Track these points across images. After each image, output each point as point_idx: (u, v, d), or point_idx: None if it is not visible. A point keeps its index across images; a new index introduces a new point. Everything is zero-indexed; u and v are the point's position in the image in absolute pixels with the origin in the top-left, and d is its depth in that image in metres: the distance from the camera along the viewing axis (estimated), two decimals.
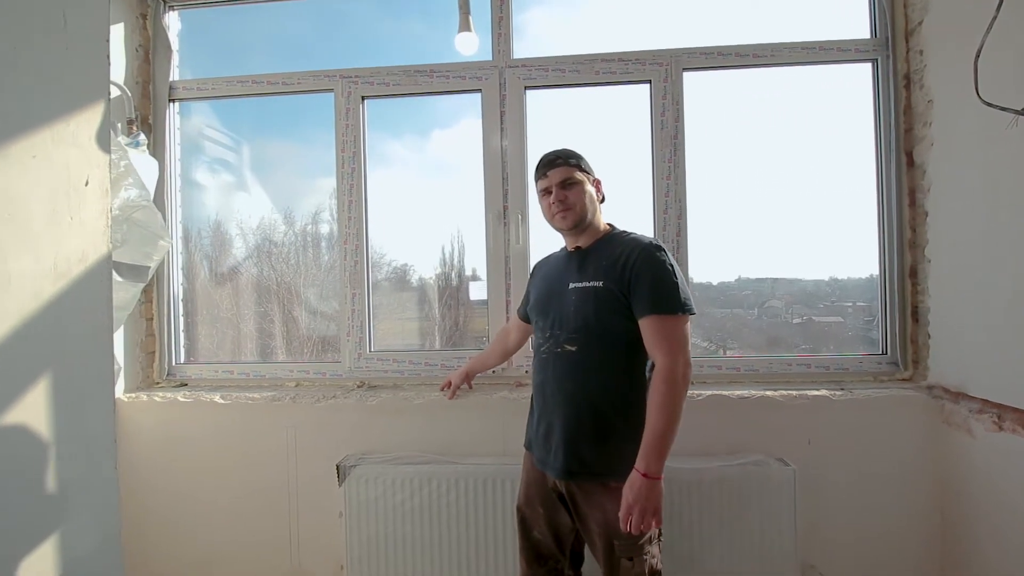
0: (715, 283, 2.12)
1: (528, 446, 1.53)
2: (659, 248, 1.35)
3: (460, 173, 2.14)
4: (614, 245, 1.40)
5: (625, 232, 1.45)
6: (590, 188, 1.44)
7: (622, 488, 1.28)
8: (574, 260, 1.46)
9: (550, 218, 1.46)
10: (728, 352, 2.12)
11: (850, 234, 1.98)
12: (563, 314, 1.41)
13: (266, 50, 2.29)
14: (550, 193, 1.43)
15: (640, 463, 1.25)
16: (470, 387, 1.91)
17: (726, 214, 2.01)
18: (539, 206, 1.51)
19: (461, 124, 2.17)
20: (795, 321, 2.12)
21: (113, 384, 0.95)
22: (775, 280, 2.12)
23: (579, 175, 1.43)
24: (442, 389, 1.88)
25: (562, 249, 1.56)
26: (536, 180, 1.48)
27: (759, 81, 2.00)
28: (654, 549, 1.33)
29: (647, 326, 1.31)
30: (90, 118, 0.92)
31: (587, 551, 1.48)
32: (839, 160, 1.98)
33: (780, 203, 2.00)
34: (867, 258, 1.96)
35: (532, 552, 1.51)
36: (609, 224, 1.50)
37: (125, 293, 1.69)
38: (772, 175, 2.00)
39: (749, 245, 2.04)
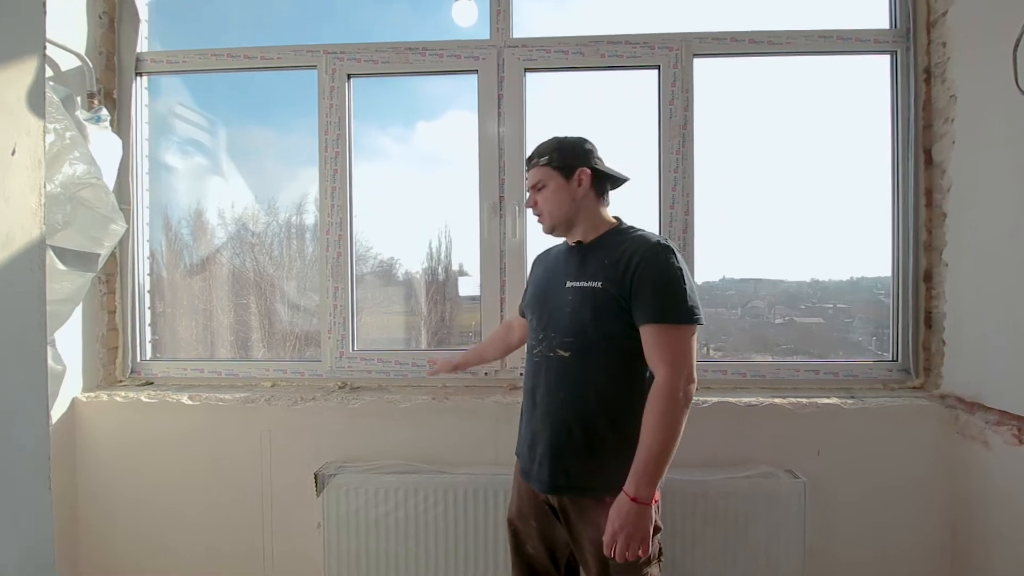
0: (716, 280, 2.05)
1: (518, 453, 1.42)
2: (667, 248, 1.21)
3: (449, 166, 2.05)
4: (618, 242, 1.27)
5: (632, 228, 1.32)
6: (568, 186, 1.29)
7: None
8: (574, 256, 1.33)
9: None
10: (713, 351, 2.04)
11: (866, 232, 1.89)
12: (558, 315, 1.29)
13: (246, 30, 2.12)
14: None
15: (630, 486, 1.14)
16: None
17: (733, 210, 1.92)
18: None
19: (448, 115, 2.07)
20: (781, 322, 2.07)
21: (46, 394, 0.80)
22: (799, 282, 2.06)
23: (551, 175, 1.30)
24: (430, 373, 1.72)
25: (564, 242, 1.43)
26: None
27: (771, 70, 1.90)
28: (653, 569, 1.24)
29: (648, 335, 1.19)
30: (19, 77, 0.76)
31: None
32: (851, 157, 1.89)
33: (789, 199, 1.91)
34: (881, 258, 1.88)
35: (525, 569, 1.41)
36: (616, 218, 1.35)
37: (71, 284, 1.49)
38: (779, 170, 1.91)
39: (759, 243, 1.95)
